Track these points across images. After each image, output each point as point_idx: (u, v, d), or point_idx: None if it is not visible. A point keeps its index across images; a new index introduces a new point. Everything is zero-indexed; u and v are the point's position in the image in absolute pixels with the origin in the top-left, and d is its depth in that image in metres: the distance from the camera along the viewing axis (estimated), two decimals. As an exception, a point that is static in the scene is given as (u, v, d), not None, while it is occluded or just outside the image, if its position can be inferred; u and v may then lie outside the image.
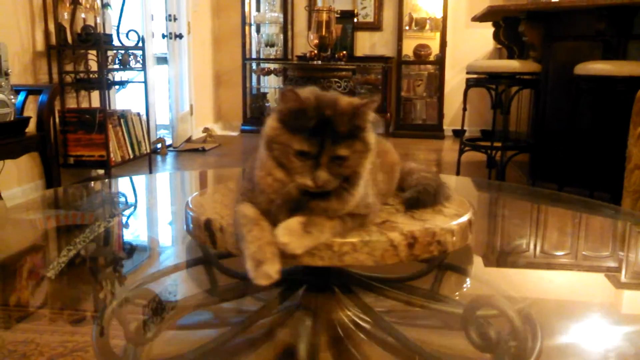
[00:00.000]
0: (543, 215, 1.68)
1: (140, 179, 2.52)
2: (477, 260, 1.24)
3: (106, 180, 3.38)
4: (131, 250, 1.31)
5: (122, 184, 2.05)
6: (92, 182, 3.10)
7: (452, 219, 0.90)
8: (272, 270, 0.73)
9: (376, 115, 0.81)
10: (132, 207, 1.65)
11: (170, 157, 5.00)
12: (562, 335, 0.93)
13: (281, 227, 0.77)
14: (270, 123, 0.78)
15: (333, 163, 0.75)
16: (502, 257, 1.33)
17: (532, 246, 1.40)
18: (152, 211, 1.64)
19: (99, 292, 1.07)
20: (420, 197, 0.95)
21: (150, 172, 4.22)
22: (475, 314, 0.96)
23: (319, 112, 0.74)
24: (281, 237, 0.75)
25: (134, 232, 1.47)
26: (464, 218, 0.91)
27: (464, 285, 1.17)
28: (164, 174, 3.80)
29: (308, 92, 0.77)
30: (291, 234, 0.76)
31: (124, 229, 1.46)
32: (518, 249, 1.38)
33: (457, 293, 1.14)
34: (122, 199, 1.72)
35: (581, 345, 0.89)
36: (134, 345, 0.86)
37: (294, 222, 0.77)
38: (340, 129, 0.74)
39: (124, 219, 1.53)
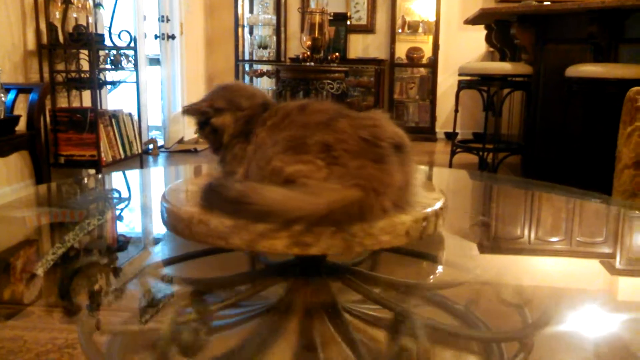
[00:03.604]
0: (537, 202, 1.69)
1: (132, 174, 2.50)
2: (472, 246, 1.24)
3: (97, 175, 3.35)
4: (121, 245, 1.30)
5: (114, 179, 2.04)
6: (84, 178, 3.08)
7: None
8: None
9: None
10: (125, 202, 1.64)
11: (161, 158, 4.98)
12: (558, 322, 0.93)
13: None
14: None
15: None
16: (496, 244, 1.34)
17: (526, 233, 1.40)
18: (145, 205, 1.63)
19: (89, 288, 1.06)
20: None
21: (142, 172, 4.20)
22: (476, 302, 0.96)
23: None
24: None
25: (127, 225, 1.46)
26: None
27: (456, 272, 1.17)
28: (158, 169, 3.78)
29: None
30: None
31: (115, 224, 1.45)
32: (512, 235, 1.38)
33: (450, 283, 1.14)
34: (114, 194, 1.71)
35: (576, 332, 0.89)
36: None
37: None
38: None
39: (116, 214, 1.51)
